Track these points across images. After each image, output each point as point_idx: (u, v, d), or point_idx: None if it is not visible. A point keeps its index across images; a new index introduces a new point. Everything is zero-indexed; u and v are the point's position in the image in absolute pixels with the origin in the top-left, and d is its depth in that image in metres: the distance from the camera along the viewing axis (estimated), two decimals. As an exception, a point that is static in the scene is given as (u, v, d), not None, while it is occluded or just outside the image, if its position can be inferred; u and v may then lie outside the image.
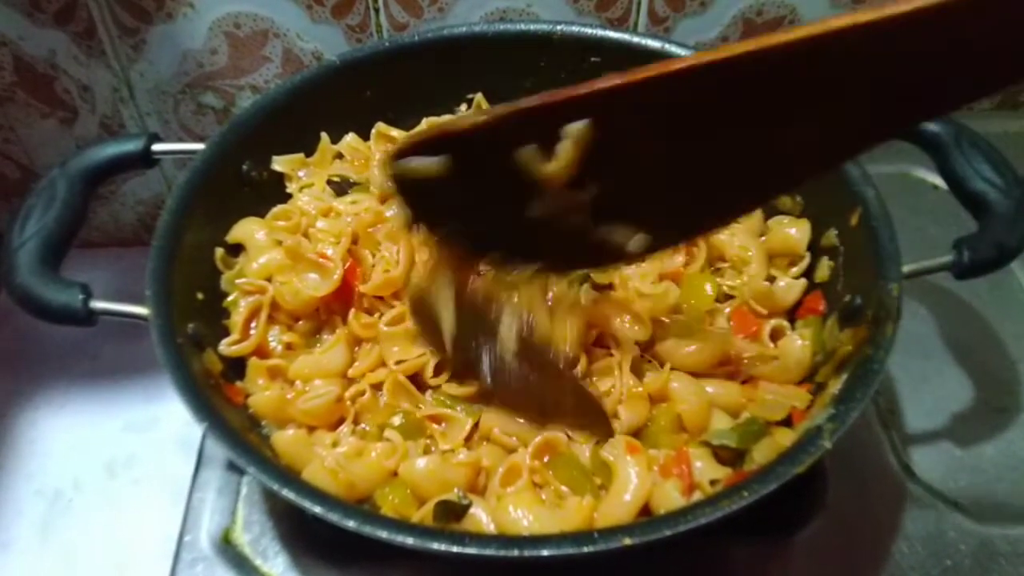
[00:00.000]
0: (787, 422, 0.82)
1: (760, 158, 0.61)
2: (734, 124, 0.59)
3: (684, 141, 0.61)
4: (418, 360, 0.84)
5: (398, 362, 0.84)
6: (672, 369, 0.84)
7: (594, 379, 0.83)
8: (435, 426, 0.82)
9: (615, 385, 0.82)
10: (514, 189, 0.65)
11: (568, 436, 0.79)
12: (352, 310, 0.87)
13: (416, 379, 0.85)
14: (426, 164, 0.66)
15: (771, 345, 0.87)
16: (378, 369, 0.86)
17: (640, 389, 0.82)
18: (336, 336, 0.87)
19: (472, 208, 0.69)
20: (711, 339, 0.85)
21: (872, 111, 0.57)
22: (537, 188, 0.64)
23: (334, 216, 0.94)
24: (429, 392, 0.85)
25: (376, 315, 0.87)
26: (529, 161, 0.63)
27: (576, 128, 0.60)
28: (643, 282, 0.88)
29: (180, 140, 1.17)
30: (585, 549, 0.64)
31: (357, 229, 0.90)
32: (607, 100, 0.60)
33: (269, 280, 0.89)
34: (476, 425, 0.82)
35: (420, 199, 0.71)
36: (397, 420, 0.82)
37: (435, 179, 0.67)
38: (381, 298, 0.88)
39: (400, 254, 0.88)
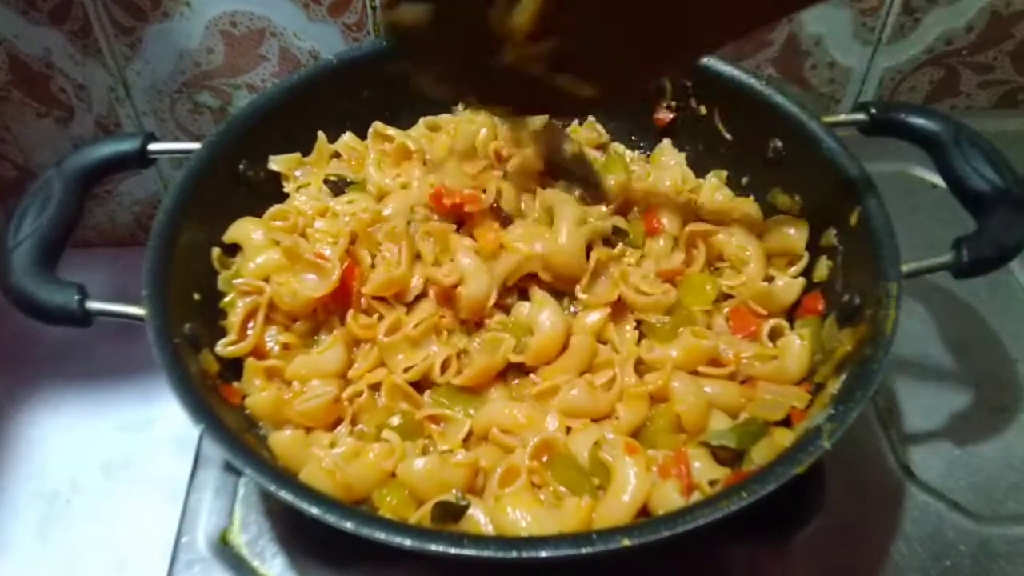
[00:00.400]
0: (786, 422, 0.82)
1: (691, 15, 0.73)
2: None
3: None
4: (424, 364, 0.84)
5: (406, 369, 0.84)
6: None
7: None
8: (433, 426, 0.82)
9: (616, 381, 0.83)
10: (485, 38, 0.77)
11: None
12: (350, 311, 0.87)
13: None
14: (412, 13, 0.78)
15: (770, 345, 0.87)
16: (376, 370, 0.86)
17: (640, 389, 0.82)
18: (333, 337, 0.86)
19: (450, 54, 0.82)
20: (694, 344, 0.85)
21: None
22: (504, 38, 0.76)
23: (331, 216, 0.94)
24: (428, 393, 0.85)
25: (375, 316, 0.87)
26: (498, 13, 0.75)
27: None
28: (644, 280, 0.88)
29: (176, 139, 1.17)
30: (583, 550, 0.64)
31: (355, 229, 0.90)
32: None
33: (266, 280, 0.88)
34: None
35: (407, 42, 0.82)
36: (395, 420, 0.81)
37: (420, 27, 0.79)
38: (381, 299, 0.88)
39: (402, 254, 0.87)
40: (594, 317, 0.86)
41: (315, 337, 0.88)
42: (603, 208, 0.93)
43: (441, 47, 0.81)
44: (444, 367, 0.84)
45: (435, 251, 0.88)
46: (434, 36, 0.79)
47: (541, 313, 0.85)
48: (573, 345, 0.84)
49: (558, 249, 0.87)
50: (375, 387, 0.84)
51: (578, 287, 0.87)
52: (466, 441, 0.82)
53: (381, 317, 0.87)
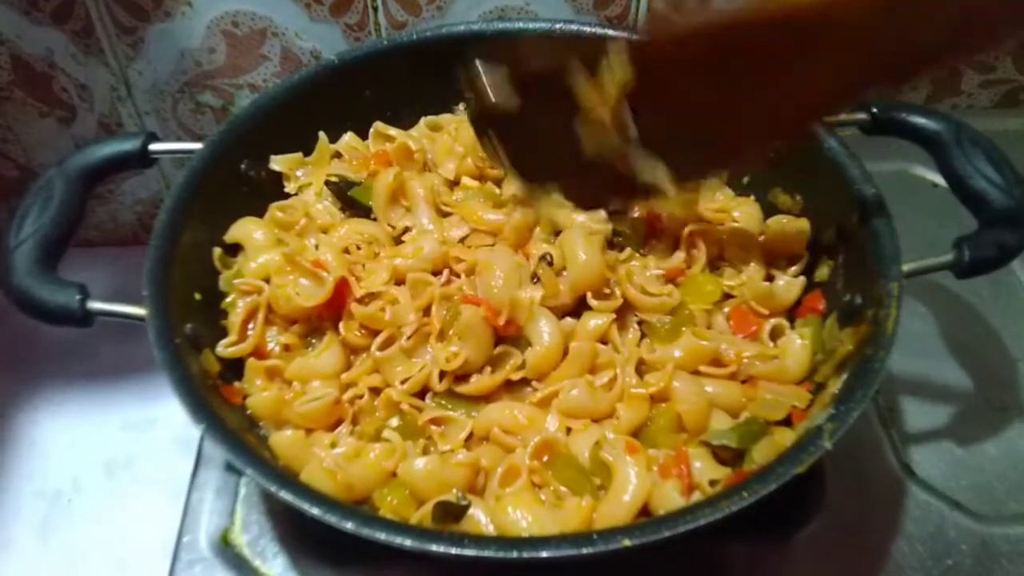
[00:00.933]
0: (787, 422, 0.81)
1: (780, 98, 0.71)
2: (759, 68, 0.70)
3: (713, 83, 0.71)
4: (421, 375, 0.83)
5: (403, 381, 0.83)
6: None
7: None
8: (434, 427, 0.82)
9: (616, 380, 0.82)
10: (566, 120, 0.76)
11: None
12: (343, 321, 0.86)
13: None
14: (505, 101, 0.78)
15: (771, 344, 0.87)
16: (374, 374, 0.85)
17: (641, 390, 0.81)
18: (327, 340, 0.86)
19: (532, 138, 0.80)
20: (695, 345, 0.84)
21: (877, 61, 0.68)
22: (583, 116, 0.76)
23: (336, 236, 0.93)
24: (429, 396, 0.84)
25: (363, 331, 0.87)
26: (580, 87, 0.74)
27: (618, 63, 0.73)
28: (649, 281, 0.88)
29: (179, 139, 1.17)
30: (584, 550, 0.64)
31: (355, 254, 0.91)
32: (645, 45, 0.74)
33: (267, 280, 0.88)
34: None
35: (490, 125, 0.82)
36: (395, 422, 0.81)
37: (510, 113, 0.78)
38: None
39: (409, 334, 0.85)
40: (597, 322, 0.86)
41: (312, 339, 0.88)
42: (601, 212, 0.92)
43: (527, 134, 0.81)
44: (442, 376, 0.83)
45: (445, 317, 0.85)
46: (521, 124, 0.79)
47: (539, 326, 0.84)
48: (573, 351, 0.84)
49: (582, 265, 0.86)
50: (376, 390, 0.84)
51: (589, 294, 0.86)
52: (467, 441, 0.82)
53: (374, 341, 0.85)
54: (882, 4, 0.64)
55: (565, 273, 0.87)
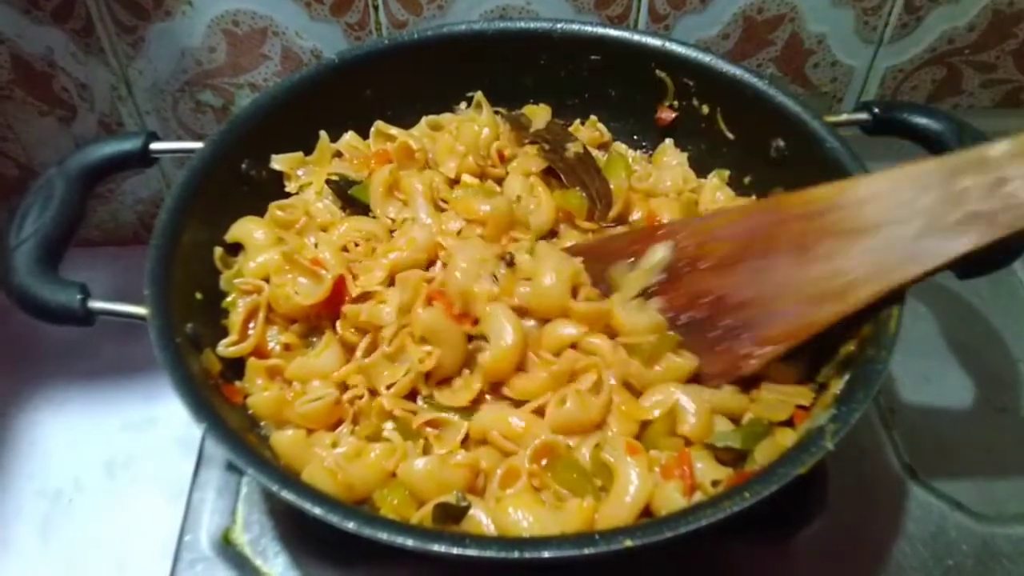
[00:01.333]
0: (789, 422, 0.81)
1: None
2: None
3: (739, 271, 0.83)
4: (406, 379, 0.82)
5: (389, 386, 0.82)
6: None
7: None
8: (430, 430, 0.81)
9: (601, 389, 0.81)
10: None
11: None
12: (339, 321, 0.86)
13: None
14: None
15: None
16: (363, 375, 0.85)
17: (639, 414, 0.80)
18: (326, 339, 0.86)
19: None
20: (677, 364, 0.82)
21: None
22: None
23: (336, 234, 0.93)
24: (420, 398, 0.83)
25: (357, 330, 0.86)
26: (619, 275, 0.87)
27: (659, 250, 0.86)
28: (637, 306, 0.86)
29: (179, 138, 1.17)
30: (586, 551, 0.64)
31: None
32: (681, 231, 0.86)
33: (267, 280, 0.88)
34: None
35: None
36: (390, 426, 0.81)
37: None
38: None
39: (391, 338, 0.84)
40: (570, 331, 0.83)
41: (313, 339, 0.88)
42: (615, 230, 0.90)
43: None
44: (428, 377, 0.83)
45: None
46: None
47: (499, 324, 0.82)
48: (555, 371, 0.81)
49: (544, 290, 0.84)
50: (375, 391, 0.84)
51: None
52: (464, 443, 0.81)
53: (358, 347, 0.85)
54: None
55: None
